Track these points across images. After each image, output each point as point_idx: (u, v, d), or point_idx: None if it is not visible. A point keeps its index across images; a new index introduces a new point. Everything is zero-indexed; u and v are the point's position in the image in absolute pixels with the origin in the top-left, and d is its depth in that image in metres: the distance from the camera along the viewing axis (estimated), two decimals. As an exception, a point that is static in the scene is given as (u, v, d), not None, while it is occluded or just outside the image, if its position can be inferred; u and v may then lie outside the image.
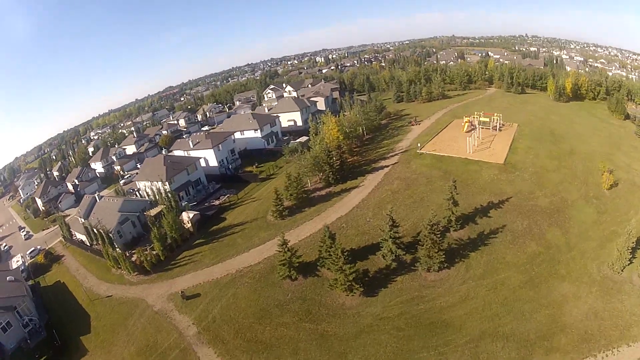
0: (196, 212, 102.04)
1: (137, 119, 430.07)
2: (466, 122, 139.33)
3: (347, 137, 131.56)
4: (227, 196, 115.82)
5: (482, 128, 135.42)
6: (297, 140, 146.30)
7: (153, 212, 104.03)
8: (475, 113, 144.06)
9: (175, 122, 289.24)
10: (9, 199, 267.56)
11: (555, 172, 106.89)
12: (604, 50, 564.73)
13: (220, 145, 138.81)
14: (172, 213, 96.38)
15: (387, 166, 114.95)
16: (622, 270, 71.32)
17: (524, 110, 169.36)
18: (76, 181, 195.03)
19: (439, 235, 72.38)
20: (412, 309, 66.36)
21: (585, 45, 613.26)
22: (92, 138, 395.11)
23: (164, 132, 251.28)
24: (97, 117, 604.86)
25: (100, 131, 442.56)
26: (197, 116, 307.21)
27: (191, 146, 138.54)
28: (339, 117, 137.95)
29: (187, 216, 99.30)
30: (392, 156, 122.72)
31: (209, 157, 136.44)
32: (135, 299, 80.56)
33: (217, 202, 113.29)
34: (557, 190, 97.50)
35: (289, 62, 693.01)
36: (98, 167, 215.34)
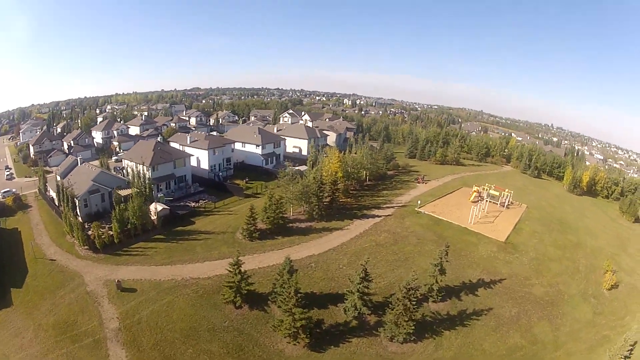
0: (166, 207, 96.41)
1: (154, 106, 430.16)
2: (474, 191, 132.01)
3: (347, 177, 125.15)
4: (205, 201, 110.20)
5: (489, 201, 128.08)
6: (297, 168, 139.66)
7: (124, 192, 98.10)
8: (486, 184, 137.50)
9: (187, 118, 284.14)
10: (9, 139, 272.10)
11: (557, 262, 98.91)
12: (625, 153, 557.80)
13: (216, 150, 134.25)
14: (140, 199, 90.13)
15: (380, 216, 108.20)
16: None
17: (537, 194, 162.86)
18: (72, 142, 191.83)
19: (414, 303, 62.64)
20: (361, 380, 57.54)
21: (607, 145, 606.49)
22: (107, 110, 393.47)
23: (172, 124, 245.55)
24: (120, 94, 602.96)
25: (117, 107, 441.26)
26: (210, 120, 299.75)
27: (188, 142, 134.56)
28: (344, 154, 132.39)
29: (154, 208, 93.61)
30: (387, 207, 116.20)
31: (202, 158, 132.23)
32: (75, 272, 74.85)
33: (193, 204, 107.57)
34: (555, 282, 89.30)
35: (317, 97, 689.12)
36: (98, 136, 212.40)
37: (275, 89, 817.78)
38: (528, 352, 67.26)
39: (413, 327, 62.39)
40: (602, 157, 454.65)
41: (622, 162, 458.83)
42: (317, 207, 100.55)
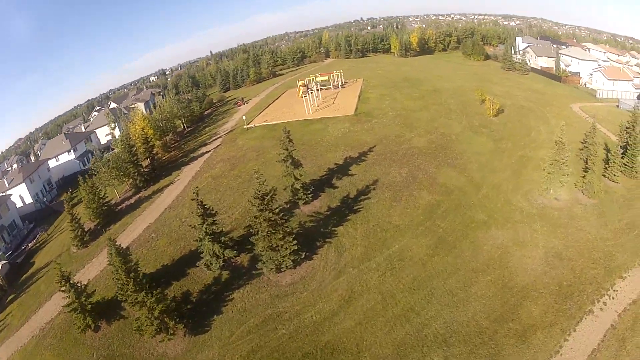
0: (4, 262, 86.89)
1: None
2: (301, 85, 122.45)
3: (162, 132, 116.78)
4: (40, 234, 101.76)
5: (321, 89, 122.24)
6: (112, 152, 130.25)
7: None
8: (311, 75, 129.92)
9: (9, 168, 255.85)
10: None
11: (423, 111, 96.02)
12: (446, 18, 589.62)
13: (32, 177, 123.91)
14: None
15: (208, 151, 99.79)
16: (557, 195, 60.87)
17: (369, 69, 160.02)
18: None
19: (278, 213, 50.20)
20: (269, 338, 46.33)
21: (425, 16, 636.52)
22: None
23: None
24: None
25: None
26: (31, 158, 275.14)
27: (7, 185, 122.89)
28: (150, 113, 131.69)
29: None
30: (214, 140, 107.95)
31: (24, 194, 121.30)
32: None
33: (29, 245, 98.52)
34: (432, 128, 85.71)
35: (125, 89, 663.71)
36: None
37: (85, 102, 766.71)
38: (450, 204, 60.34)
39: (295, 243, 50.55)
40: (424, 26, 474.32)
41: (446, 25, 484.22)
42: (137, 174, 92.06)
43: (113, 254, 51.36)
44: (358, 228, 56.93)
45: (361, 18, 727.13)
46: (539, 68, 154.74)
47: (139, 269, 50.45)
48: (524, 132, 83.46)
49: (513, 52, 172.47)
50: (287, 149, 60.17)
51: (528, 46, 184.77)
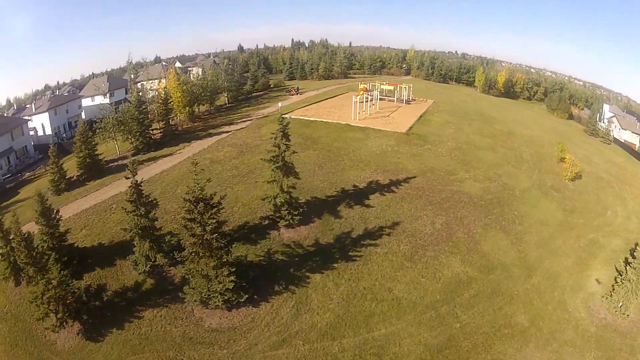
0: None
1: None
2: (362, 88, 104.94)
3: (195, 100, 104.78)
4: (40, 167, 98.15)
5: (383, 99, 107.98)
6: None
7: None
8: (377, 82, 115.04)
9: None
10: None
11: (489, 150, 78.87)
12: (538, 71, 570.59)
13: (58, 109, 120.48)
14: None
15: (229, 132, 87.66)
16: (627, 311, 41.70)
17: (445, 94, 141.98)
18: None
19: (212, 232, 34.73)
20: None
21: (518, 65, 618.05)
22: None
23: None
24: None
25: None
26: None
27: (33, 111, 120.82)
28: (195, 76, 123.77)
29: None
30: (243, 121, 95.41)
31: (45, 123, 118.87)
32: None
33: (27, 174, 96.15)
34: (495, 174, 68.44)
35: (203, 55, 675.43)
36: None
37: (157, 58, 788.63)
38: (485, 287, 41.87)
39: (233, 280, 35.11)
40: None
41: (536, 74, 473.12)
42: (139, 134, 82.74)
43: (37, 213, 44.34)
44: (341, 285, 39.48)
45: (455, 51, 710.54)
46: (622, 141, 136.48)
47: (65, 237, 43.99)
48: (599, 210, 65.83)
49: (598, 119, 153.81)
50: (279, 147, 44.29)
51: (614, 116, 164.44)
